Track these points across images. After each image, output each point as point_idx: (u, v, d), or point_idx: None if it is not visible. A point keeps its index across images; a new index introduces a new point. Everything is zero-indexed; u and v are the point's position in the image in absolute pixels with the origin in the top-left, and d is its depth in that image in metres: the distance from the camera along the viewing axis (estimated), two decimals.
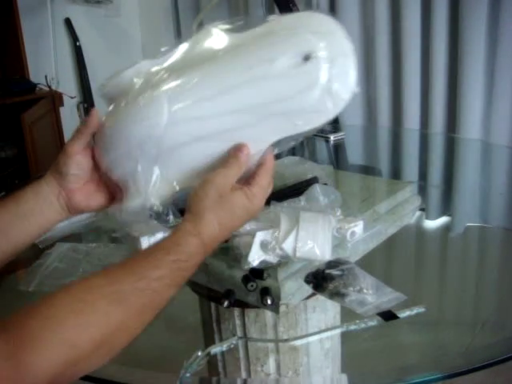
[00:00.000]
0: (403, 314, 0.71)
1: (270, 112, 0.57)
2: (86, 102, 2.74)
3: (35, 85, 2.32)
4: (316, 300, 0.81)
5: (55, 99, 2.39)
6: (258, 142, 0.58)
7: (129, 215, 0.61)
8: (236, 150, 0.57)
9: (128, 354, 0.50)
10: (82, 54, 2.71)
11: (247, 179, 0.58)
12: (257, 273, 0.67)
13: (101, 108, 0.63)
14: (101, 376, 0.58)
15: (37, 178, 0.63)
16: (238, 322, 0.82)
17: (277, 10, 2.15)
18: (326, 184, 0.84)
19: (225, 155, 0.58)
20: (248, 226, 0.67)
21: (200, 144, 0.58)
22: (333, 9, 2.34)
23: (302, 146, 1.51)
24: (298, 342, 0.84)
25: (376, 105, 2.32)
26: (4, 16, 2.23)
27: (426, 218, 1.28)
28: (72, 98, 2.65)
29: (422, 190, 1.18)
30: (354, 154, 1.61)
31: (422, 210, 1.20)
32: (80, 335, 0.44)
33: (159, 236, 0.75)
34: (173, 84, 0.57)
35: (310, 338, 0.86)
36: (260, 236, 0.66)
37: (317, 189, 0.78)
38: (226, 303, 0.69)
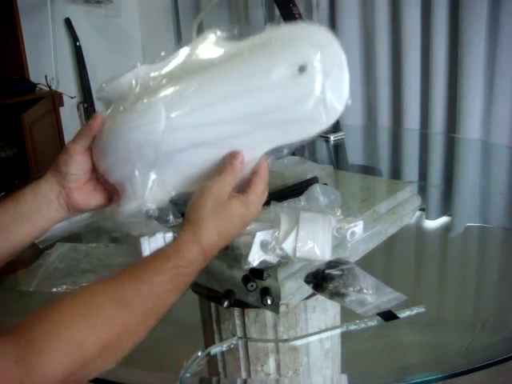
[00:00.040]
0: (403, 314, 0.71)
1: (266, 121, 0.58)
2: (86, 101, 2.74)
3: (35, 85, 2.32)
4: (316, 300, 0.81)
5: (55, 99, 2.39)
6: (253, 150, 0.59)
7: (125, 218, 0.61)
8: (231, 158, 0.58)
9: (128, 353, 0.50)
10: (82, 54, 2.71)
11: (243, 187, 0.59)
12: (257, 273, 0.67)
13: (101, 108, 0.64)
14: (100, 376, 0.58)
15: (37, 177, 0.63)
16: (237, 322, 0.82)
17: (277, 10, 2.15)
18: (325, 184, 0.84)
19: (220, 162, 0.59)
20: (248, 226, 0.67)
21: (196, 150, 0.59)
22: (333, 9, 2.34)
23: (302, 146, 1.51)
24: (298, 342, 0.84)
25: (376, 105, 2.32)
26: (4, 16, 2.23)
27: (426, 218, 1.28)
28: (72, 98, 2.65)
29: (422, 190, 1.18)
30: (354, 154, 1.61)
31: (422, 210, 1.20)
32: (86, 337, 0.45)
33: (159, 236, 0.75)
34: (170, 91, 0.58)
35: (310, 338, 0.86)
36: (260, 236, 0.66)
37: (317, 189, 0.78)
38: (226, 303, 0.69)
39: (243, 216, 0.58)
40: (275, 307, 0.69)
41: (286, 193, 0.84)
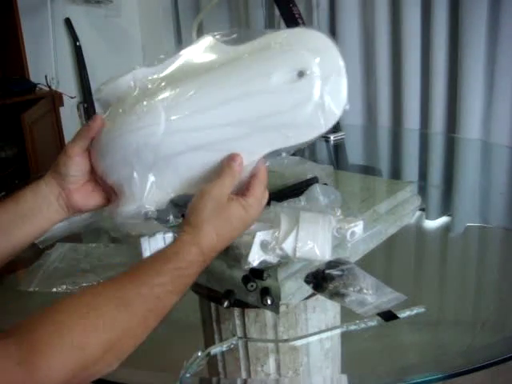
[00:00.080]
0: (403, 314, 0.71)
1: (264, 125, 0.59)
2: (86, 101, 2.74)
3: (35, 85, 2.32)
4: (316, 300, 0.81)
5: (55, 99, 2.39)
6: (252, 153, 0.60)
7: (124, 219, 0.62)
8: (229, 160, 0.59)
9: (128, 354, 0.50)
10: (82, 54, 2.71)
11: (242, 190, 0.60)
12: (257, 273, 0.67)
13: (101, 109, 0.64)
14: (101, 376, 0.58)
15: (37, 178, 0.63)
16: (237, 322, 0.82)
17: (277, 10, 2.15)
18: (325, 184, 0.84)
19: (219, 165, 0.59)
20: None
21: (195, 153, 0.59)
22: (333, 9, 2.34)
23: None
24: (298, 342, 0.84)
25: (376, 105, 2.32)
26: (4, 16, 2.23)
27: (426, 218, 1.28)
28: (72, 98, 2.65)
29: (422, 190, 1.18)
30: (354, 154, 1.61)
31: (422, 210, 1.20)
32: (88, 339, 0.45)
33: (159, 236, 0.75)
34: (170, 94, 0.58)
35: (310, 338, 0.86)
36: (260, 236, 0.67)
37: (317, 189, 0.78)
38: (226, 303, 0.69)
39: (242, 218, 0.58)
40: (275, 307, 0.69)
41: (286, 193, 0.84)
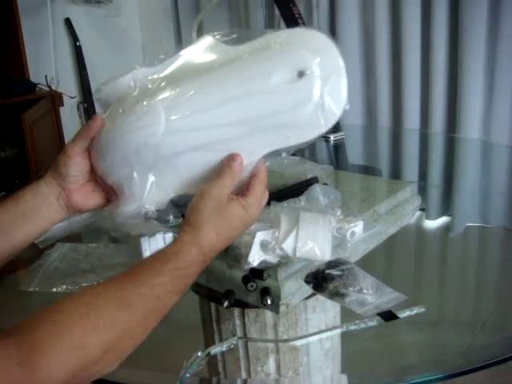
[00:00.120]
0: (403, 314, 0.71)
1: (264, 125, 0.59)
2: (86, 101, 2.74)
3: (35, 85, 2.32)
4: (316, 300, 0.81)
5: (55, 99, 2.39)
6: (252, 153, 0.60)
7: (123, 219, 0.62)
8: (229, 160, 0.59)
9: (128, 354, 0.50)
10: (82, 54, 2.71)
11: (242, 191, 0.60)
12: (257, 273, 0.67)
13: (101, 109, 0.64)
14: (101, 376, 0.58)
15: (37, 178, 0.63)
16: (237, 322, 0.82)
17: (277, 10, 2.15)
18: (325, 184, 0.84)
19: (219, 165, 0.59)
20: (247, 229, 0.67)
21: (195, 153, 0.59)
22: (333, 9, 2.34)
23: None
24: (298, 342, 0.84)
25: (376, 105, 2.32)
26: (4, 16, 2.23)
27: (426, 218, 1.28)
28: (72, 98, 2.65)
29: (422, 190, 1.18)
30: (354, 154, 1.61)
31: (422, 210, 1.20)
32: (88, 339, 0.45)
33: (159, 236, 0.75)
34: (170, 94, 0.58)
35: (310, 338, 0.86)
36: (260, 236, 0.67)
37: (317, 189, 0.78)
38: (226, 303, 0.69)
39: (242, 218, 0.58)
40: (275, 307, 0.69)
41: (286, 193, 0.84)
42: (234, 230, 0.58)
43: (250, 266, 0.67)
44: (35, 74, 2.37)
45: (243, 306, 0.77)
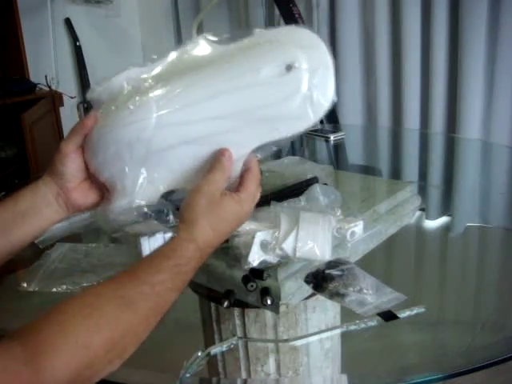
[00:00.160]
0: (403, 314, 0.71)
1: (254, 118, 0.60)
2: (86, 101, 2.74)
3: (35, 85, 2.32)
4: (316, 300, 0.81)
5: (55, 99, 2.39)
6: (242, 146, 0.61)
7: (116, 215, 0.62)
8: (219, 155, 0.59)
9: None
10: (82, 54, 2.71)
11: (235, 186, 0.60)
12: (257, 273, 0.67)
13: None
14: (104, 375, 0.58)
15: (36, 178, 0.64)
16: (237, 322, 0.82)
17: (277, 10, 2.15)
18: (326, 184, 0.84)
19: (210, 158, 0.60)
20: (248, 226, 0.67)
21: (186, 147, 0.60)
22: (333, 9, 2.35)
23: (301, 146, 1.51)
24: (298, 342, 0.84)
25: (376, 105, 2.32)
26: (4, 16, 2.23)
27: (426, 218, 1.28)
28: (72, 98, 2.65)
29: (422, 190, 1.18)
30: (354, 154, 1.61)
31: (422, 210, 1.20)
32: (92, 339, 0.45)
33: (159, 236, 0.75)
34: (161, 90, 0.59)
35: (310, 338, 0.86)
36: (260, 236, 0.67)
37: (317, 189, 0.78)
38: (226, 303, 0.69)
39: (237, 213, 0.59)
40: (275, 307, 0.69)
41: (286, 193, 0.84)
42: (229, 224, 0.59)
43: (250, 266, 0.67)
44: (35, 74, 2.37)
45: (243, 305, 0.77)
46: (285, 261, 0.68)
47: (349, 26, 2.30)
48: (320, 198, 0.77)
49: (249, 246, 0.66)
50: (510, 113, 1.99)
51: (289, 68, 0.59)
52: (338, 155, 1.55)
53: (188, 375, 0.65)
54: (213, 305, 0.87)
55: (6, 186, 2.14)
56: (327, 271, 0.71)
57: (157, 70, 0.62)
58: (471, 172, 1.50)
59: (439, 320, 1.12)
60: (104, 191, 0.64)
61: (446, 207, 1.37)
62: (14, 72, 2.30)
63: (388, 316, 0.68)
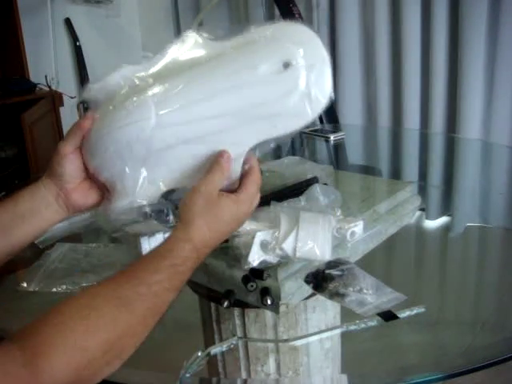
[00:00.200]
0: (403, 314, 0.71)
1: (252, 116, 0.60)
2: (86, 102, 2.73)
3: (35, 85, 2.32)
4: (316, 300, 0.81)
5: (55, 99, 2.39)
6: (241, 144, 0.61)
7: (117, 215, 0.62)
8: (217, 157, 0.59)
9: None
10: (82, 54, 2.71)
11: (235, 187, 0.60)
12: (257, 273, 0.67)
13: None
14: (103, 376, 0.58)
15: (37, 178, 0.64)
16: (238, 321, 0.82)
17: (277, 9, 2.15)
18: (326, 184, 0.84)
19: (209, 157, 0.60)
20: (248, 226, 0.67)
21: (186, 147, 0.60)
22: (333, 9, 2.35)
23: (301, 146, 1.52)
24: (298, 342, 0.84)
25: (376, 105, 2.32)
26: (4, 16, 2.23)
27: (426, 218, 1.28)
28: (72, 98, 2.64)
29: (422, 190, 1.18)
30: (354, 154, 1.61)
31: (422, 210, 1.20)
32: (91, 340, 0.45)
33: (159, 236, 0.75)
34: (159, 89, 0.59)
35: (310, 338, 0.86)
36: (260, 236, 0.67)
37: (317, 189, 0.78)
38: (226, 303, 0.69)
39: (234, 214, 0.58)
40: (275, 307, 0.69)
41: (286, 193, 0.84)
42: (227, 224, 0.59)
43: (250, 266, 0.67)
44: (35, 74, 2.37)
45: (243, 305, 0.77)
46: (285, 261, 0.68)
47: (349, 26, 2.30)
48: (320, 198, 0.77)
49: (249, 246, 0.66)
50: (510, 113, 1.99)
51: (286, 65, 0.59)
52: (337, 155, 1.55)
53: (188, 375, 0.65)
54: (213, 305, 0.87)
55: (6, 186, 2.14)
56: (327, 271, 0.71)
57: (153, 68, 0.62)
58: (471, 172, 1.50)
59: (439, 320, 1.12)
60: (104, 191, 0.64)
61: (446, 207, 1.37)
62: (14, 72, 2.30)
63: (388, 316, 0.68)
